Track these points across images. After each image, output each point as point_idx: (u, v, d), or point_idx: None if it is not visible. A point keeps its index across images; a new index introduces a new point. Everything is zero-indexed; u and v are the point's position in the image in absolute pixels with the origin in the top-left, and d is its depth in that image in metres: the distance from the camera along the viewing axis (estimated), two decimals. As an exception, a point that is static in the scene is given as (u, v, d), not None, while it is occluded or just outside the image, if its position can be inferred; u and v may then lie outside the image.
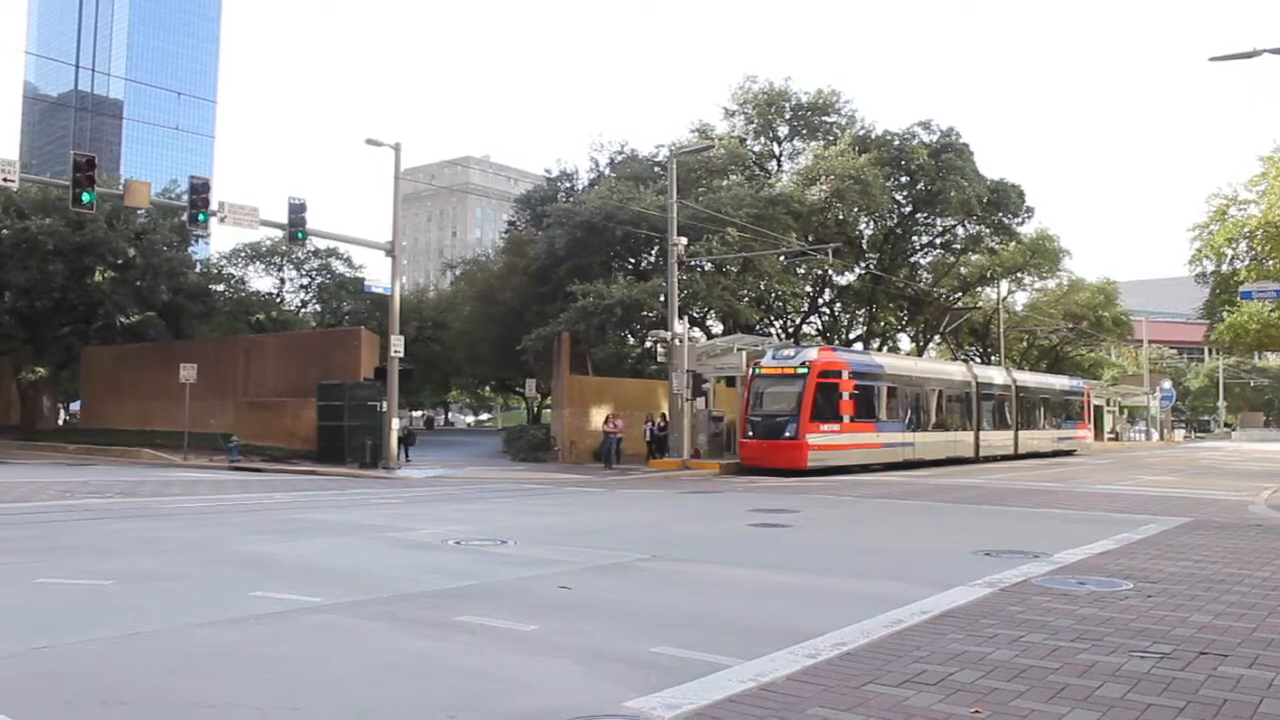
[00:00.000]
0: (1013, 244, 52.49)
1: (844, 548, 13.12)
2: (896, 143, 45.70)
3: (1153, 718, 4.98)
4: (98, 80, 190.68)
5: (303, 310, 62.90)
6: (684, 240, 32.33)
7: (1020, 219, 50.56)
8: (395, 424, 30.75)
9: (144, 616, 7.79)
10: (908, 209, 48.78)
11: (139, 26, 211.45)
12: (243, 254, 59.10)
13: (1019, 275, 58.76)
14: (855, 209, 44.06)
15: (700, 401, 33.42)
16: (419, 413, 77.73)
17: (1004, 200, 48.06)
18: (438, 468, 31.60)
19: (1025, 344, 67.96)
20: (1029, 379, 46.40)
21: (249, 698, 5.60)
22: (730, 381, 37.44)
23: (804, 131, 48.12)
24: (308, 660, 6.47)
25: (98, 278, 41.45)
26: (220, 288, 55.35)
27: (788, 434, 29.10)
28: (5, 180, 22.00)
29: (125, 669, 6.22)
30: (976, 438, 38.35)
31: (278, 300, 60.70)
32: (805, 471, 28.49)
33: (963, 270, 56.70)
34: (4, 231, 39.00)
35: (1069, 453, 47.03)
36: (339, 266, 60.23)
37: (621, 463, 31.22)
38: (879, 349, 53.72)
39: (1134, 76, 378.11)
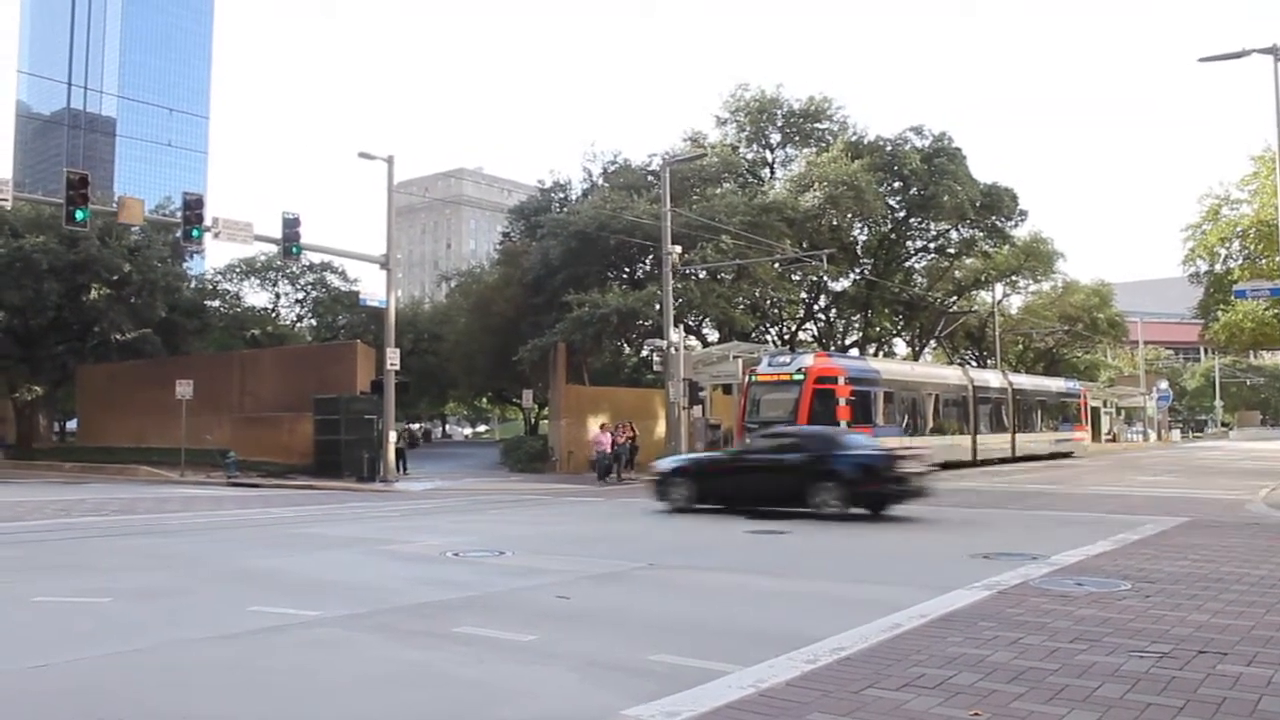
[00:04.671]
0: (1006, 247, 52.58)
1: (841, 553, 13.11)
2: (889, 148, 45.79)
3: (1152, 717, 4.98)
4: (90, 98, 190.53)
5: (298, 325, 62.77)
6: (678, 248, 32.35)
7: (1014, 222, 50.67)
8: (392, 437, 30.70)
9: (141, 632, 7.77)
10: (901, 214, 48.86)
11: (131, 44, 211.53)
12: (237, 269, 58.97)
13: (1013, 278, 58.86)
14: (849, 215, 44.12)
15: (697, 409, 33.41)
16: (417, 425, 77.62)
17: (997, 204, 48.16)
18: (435, 480, 31.56)
19: (1021, 347, 68.03)
20: (1025, 382, 46.43)
21: (246, 711, 5.58)
22: (727, 389, 37.45)
23: (796, 138, 48.21)
24: (305, 673, 6.46)
25: (93, 295, 41.37)
26: (215, 303, 55.22)
27: (785, 440, 29.05)
28: (-2, 199, 22.01)
29: (122, 685, 6.20)
30: (974, 441, 38.33)
31: (273, 315, 60.57)
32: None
33: (957, 274, 56.79)
34: (-2, 250, 38.96)
35: (1066, 455, 47.02)
36: (334, 280, 60.11)
37: (633, 471, 30.87)
38: (875, 354, 53.76)
39: (1124, 78, 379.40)
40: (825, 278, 46.86)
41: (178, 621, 8.26)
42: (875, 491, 17.18)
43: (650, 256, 38.67)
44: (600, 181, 45.51)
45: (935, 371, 41.80)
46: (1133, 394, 78.12)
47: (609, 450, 31.00)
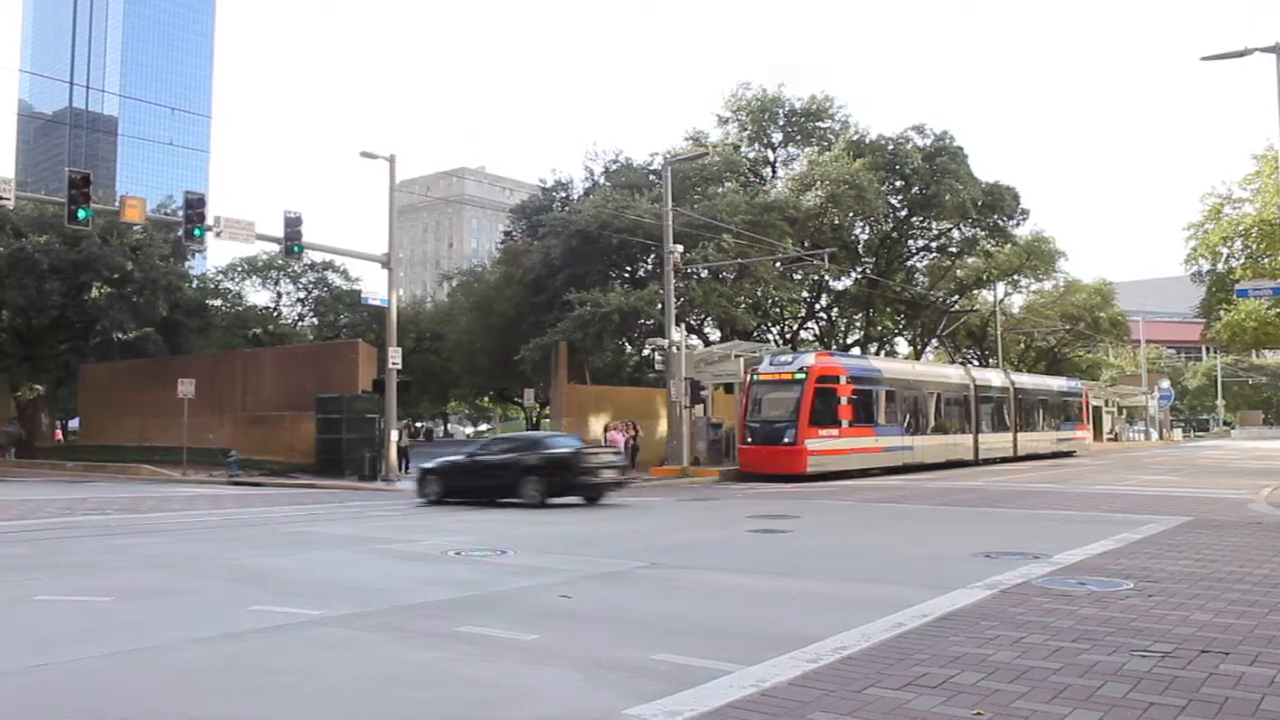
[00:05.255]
0: (1008, 246, 52.53)
1: (844, 552, 13.11)
2: (891, 147, 45.75)
3: (1154, 717, 4.98)
4: (92, 97, 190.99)
5: (300, 324, 62.78)
6: (680, 248, 32.34)
7: (1015, 221, 50.64)
8: (394, 436, 30.70)
9: (143, 632, 7.78)
10: (903, 213, 48.84)
11: (132, 43, 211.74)
12: (239, 268, 58.99)
13: (1015, 277, 58.82)
14: (850, 214, 44.13)
15: (699, 409, 33.40)
16: (419, 424, 77.72)
17: (999, 202, 48.13)
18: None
19: (1023, 346, 68.03)
20: (1027, 381, 46.42)
21: (248, 711, 5.59)
22: (729, 388, 37.44)
23: (798, 138, 48.20)
24: (307, 673, 6.46)
25: (94, 294, 41.39)
26: (217, 302, 55.25)
27: (786, 440, 29.08)
28: (1, 198, 22.00)
29: (125, 685, 6.20)
30: (975, 440, 38.33)
31: (275, 314, 60.58)
32: (805, 477, 28.47)
33: (959, 273, 56.75)
34: (0, 250, 38.98)
35: (1068, 454, 47.02)
36: (335, 279, 60.09)
37: (634, 470, 30.58)
38: (876, 353, 53.75)
39: (1127, 77, 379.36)
40: (827, 277, 46.88)
41: (180, 621, 8.27)
42: (565, 483, 20.33)
43: (652, 256, 38.69)
44: (602, 180, 45.53)
45: (937, 370, 41.79)
46: (1135, 393, 78.08)
47: (620, 449, 30.57)
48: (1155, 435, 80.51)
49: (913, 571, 10.74)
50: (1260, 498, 20.14)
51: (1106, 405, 71.77)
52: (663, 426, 35.71)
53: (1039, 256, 55.59)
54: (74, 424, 53.97)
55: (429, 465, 22.80)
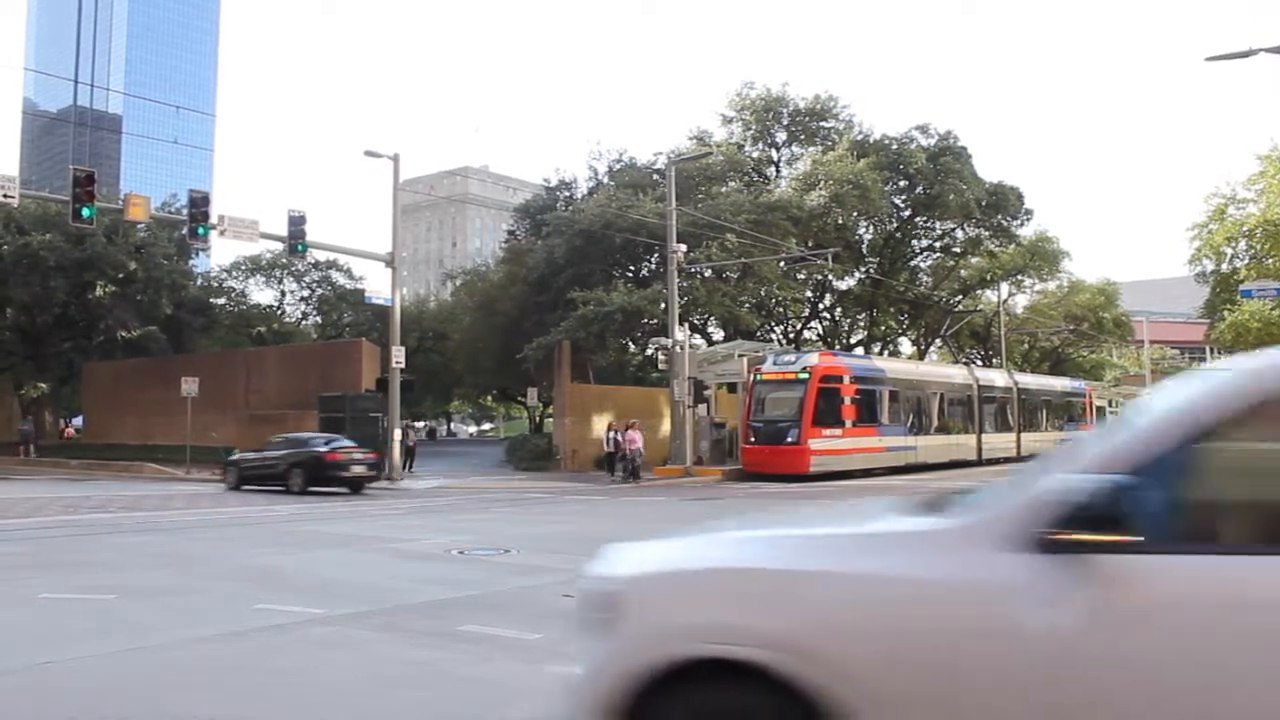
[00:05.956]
0: (1012, 246, 52.41)
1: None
2: (894, 147, 45.69)
3: (1158, 718, 4.95)
4: (96, 95, 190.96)
5: (303, 322, 62.86)
6: (683, 247, 32.32)
7: (1019, 221, 50.52)
8: (397, 435, 30.70)
9: (147, 631, 7.78)
10: (907, 213, 48.78)
11: (137, 41, 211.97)
12: (243, 267, 59.08)
13: (1019, 277, 58.66)
14: (854, 214, 44.05)
15: (702, 408, 33.37)
16: (421, 423, 77.58)
17: (1003, 203, 48.04)
18: (440, 478, 31.54)
19: (1026, 346, 67.90)
20: (1030, 381, 46.37)
21: (251, 710, 5.59)
22: (732, 388, 37.44)
23: (802, 137, 48.13)
24: (311, 672, 6.46)
25: (99, 292, 41.45)
26: (220, 301, 55.36)
27: (790, 439, 29.06)
28: (5, 196, 22.03)
29: (128, 684, 6.21)
30: (979, 440, 38.30)
31: (278, 313, 60.63)
32: (808, 477, 28.45)
33: (963, 273, 56.63)
34: (4, 248, 38.99)
35: (1072, 454, 46.93)
36: (339, 278, 60.14)
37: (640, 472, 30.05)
38: (880, 353, 53.67)
39: (1131, 76, 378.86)
40: (830, 276, 46.81)
41: (184, 619, 8.27)
42: (321, 476, 24.58)
43: (655, 255, 38.65)
44: (605, 180, 45.50)
45: (940, 370, 41.75)
46: (1138, 393, 77.91)
47: (640, 448, 29.88)
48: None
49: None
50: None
51: (1110, 405, 71.66)
52: (666, 426, 35.68)
53: (1043, 257, 55.46)
54: (78, 421, 54.10)
55: (233, 457, 27.53)
